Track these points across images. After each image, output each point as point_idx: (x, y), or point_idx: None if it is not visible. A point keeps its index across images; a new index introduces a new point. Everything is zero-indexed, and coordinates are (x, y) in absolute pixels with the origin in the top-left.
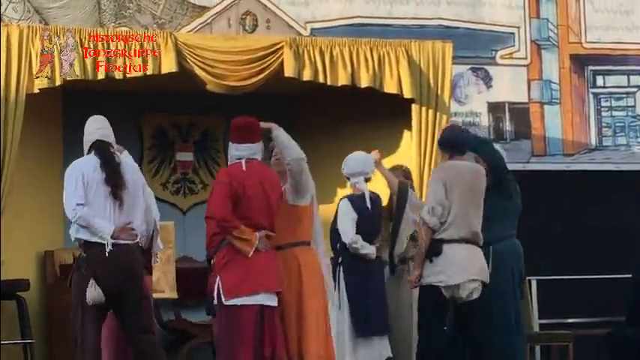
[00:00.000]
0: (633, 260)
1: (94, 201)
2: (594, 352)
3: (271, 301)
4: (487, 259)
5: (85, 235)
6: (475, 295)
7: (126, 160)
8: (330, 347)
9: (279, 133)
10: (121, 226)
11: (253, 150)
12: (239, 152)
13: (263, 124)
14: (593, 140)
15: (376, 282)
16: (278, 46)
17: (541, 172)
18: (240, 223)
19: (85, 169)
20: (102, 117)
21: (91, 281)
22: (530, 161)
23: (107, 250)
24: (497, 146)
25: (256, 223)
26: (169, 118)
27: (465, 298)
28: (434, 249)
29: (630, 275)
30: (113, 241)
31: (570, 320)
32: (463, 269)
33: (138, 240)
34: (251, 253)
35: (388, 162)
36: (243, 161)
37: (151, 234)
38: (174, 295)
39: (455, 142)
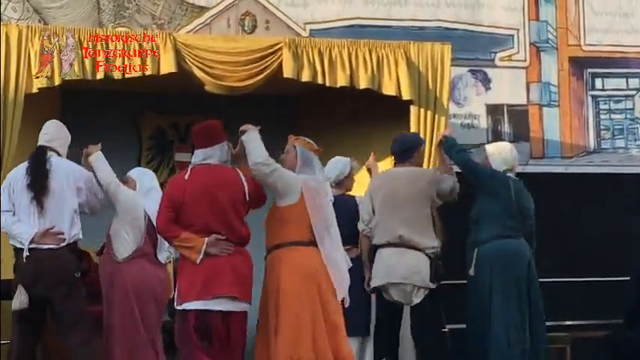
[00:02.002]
0: (631, 263)
1: (20, 207)
2: (592, 354)
3: (224, 305)
4: (471, 261)
5: (13, 242)
6: (416, 300)
7: (62, 164)
8: (323, 351)
9: (249, 138)
10: (42, 231)
11: (207, 154)
12: (194, 159)
13: (243, 127)
14: (592, 143)
15: None
16: (277, 47)
17: (539, 174)
18: (181, 231)
19: (15, 176)
20: (54, 121)
21: (19, 287)
22: (528, 163)
23: (24, 255)
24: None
25: (205, 228)
26: (168, 119)
27: (404, 302)
28: (370, 254)
29: (628, 278)
30: (33, 246)
31: (568, 323)
32: (386, 273)
33: (66, 244)
34: (199, 259)
35: (387, 164)
36: (189, 168)
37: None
38: (169, 295)
39: (393, 149)
